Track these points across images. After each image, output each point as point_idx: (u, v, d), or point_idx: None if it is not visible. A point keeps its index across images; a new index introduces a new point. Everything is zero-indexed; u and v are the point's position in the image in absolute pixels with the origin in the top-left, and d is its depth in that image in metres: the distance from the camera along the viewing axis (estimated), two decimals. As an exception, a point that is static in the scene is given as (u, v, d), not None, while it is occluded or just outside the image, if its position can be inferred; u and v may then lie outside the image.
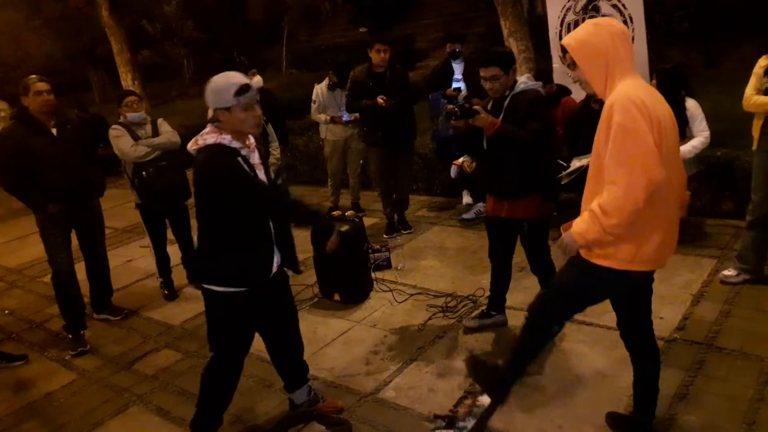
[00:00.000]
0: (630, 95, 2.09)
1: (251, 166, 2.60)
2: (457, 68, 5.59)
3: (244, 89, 2.48)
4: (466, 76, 5.51)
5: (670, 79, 4.40)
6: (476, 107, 3.21)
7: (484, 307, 3.83)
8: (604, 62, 2.16)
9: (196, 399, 2.95)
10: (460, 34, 5.85)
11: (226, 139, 2.52)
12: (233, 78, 2.51)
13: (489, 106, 3.36)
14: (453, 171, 5.68)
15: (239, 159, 2.54)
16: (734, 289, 3.82)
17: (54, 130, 4.06)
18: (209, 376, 2.90)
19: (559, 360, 3.33)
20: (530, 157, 3.23)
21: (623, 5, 5.29)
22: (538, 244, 3.51)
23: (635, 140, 2.04)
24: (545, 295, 2.67)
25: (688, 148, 4.33)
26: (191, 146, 2.59)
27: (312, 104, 6.05)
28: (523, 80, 3.32)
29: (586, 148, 4.78)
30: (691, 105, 4.34)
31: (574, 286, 2.47)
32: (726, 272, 3.92)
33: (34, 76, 4.06)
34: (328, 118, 5.95)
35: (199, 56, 15.13)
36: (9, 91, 13.42)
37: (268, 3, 17.76)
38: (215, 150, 2.52)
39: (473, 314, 3.85)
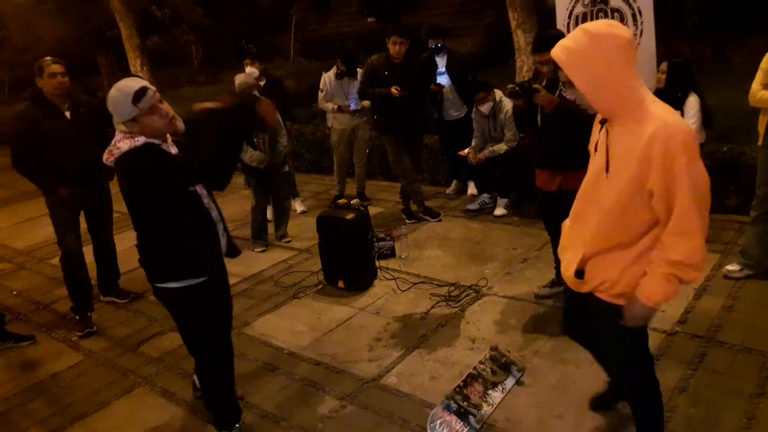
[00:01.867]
0: (681, 126, 1.82)
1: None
2: (440, 62, 5.71)
3: (139, 94, 2.37)
4: (449, 68, 5.66)
5: (681, 72, 4.38)
6: (536, 86, 3.37)
7: (553, 278, 3.90)
8: (613, 89, 1.85)
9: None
10: (440, 29, 5.90)
11: (140, 140, 2.44)
12: (126, 87, 2.39)
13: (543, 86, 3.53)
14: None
15: (160, 148, 2.50)
16: (737, 284, 3.83)
17: (67, 113, 4.09)
18: (204, 375, 2.94)
19: (559, 350, 3.36)
20: (584, 132, 3.32)
21: (633, -2, 5.26)
22: None
23: (707, 183, 1.84)
24: (622, 374, 2.40)
25: None
26: (107, 159, 2.48)
27: (320, 92, 6.07)
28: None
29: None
30: (691, 101, 4.31)
31: (635, 339, 2.21)
32: (729, 267, 3.94)
33: (48, 58, 4.08)
34: (336, 107, 5.96)
35: (207, 43, 15.14)
36: (20, 74, 13.51)
37: (276, -9, 17.73)
38: (133, 153, 2.42)
39: (543, 284, 3.94)
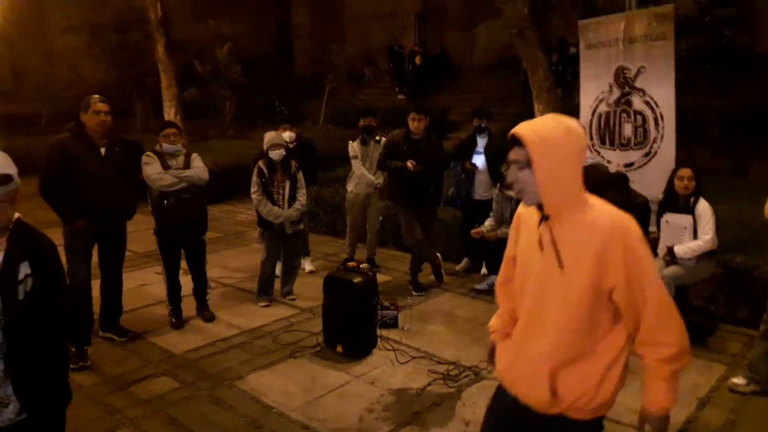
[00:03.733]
0: (630, 220, 1.85)
1: None
2: (481, 142, 5.88)
3: (9, 179, 2.01)
4: (487, 150, 5.81)
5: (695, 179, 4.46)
6: None
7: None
8: (566, 182, 1.84)
9: (185, 431, 2.93)
10: (487, 111, 6.11)
11: None
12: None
13: None
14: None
15: None
16: (742, 398, 3.73)
17: (102, 150, 4.24)
18: None
19: None
20: None
21: (655, 103, 5.44)
22: None
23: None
24: None
25: (685, 248, 4.35)
26: None
27: (353, 159, 6.21)
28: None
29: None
30: (704, 206, 4.36)
31: None
32: (735, 380, 3.85)
33: (96, 96, 4.29)
34: (376, 182, 6.06)
35: (242, 101, 15.69)
36: (59, 109, 14.08)
37: (314, 60, 18.52)
38: None
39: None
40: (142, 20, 13.73)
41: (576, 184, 1.85)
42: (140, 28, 14.59)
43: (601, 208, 1.86)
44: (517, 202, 5.12)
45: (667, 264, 4.45)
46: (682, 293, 4.58)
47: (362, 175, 6.10)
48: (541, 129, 1.83)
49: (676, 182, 4.46)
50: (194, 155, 4.90)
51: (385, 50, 16.87)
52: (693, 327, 4.62)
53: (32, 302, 2.04)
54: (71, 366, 4.14)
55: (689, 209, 4.40)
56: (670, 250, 4.41)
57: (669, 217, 4.55)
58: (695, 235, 4.38)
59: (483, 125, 5.89)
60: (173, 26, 12.41)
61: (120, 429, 3.47)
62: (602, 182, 3.43)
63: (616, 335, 1.89)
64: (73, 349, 4.27)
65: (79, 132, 4.22)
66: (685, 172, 4.44)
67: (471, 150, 5.88)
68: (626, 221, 1.82)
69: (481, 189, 5.89)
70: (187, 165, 4.76)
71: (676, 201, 4.51)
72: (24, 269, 2.06)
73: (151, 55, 12.82)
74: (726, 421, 3.49)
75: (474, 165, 5.78)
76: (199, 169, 4.79)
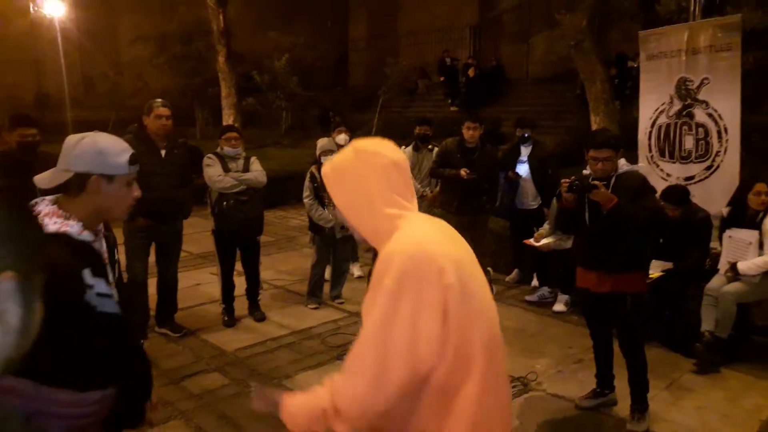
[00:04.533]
0: (409, 249, 1.43)
1: (100, 268, 1.76)
2: (524, 151, 5.80)
3: (137, 159, 1.91)
4: (531, 159, 5.75)
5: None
6: (596, 182, 3.31)
7: (595, 387, 3.73)
8: (368, 212, 1.53)
9: (234, 425, 2.98)
10: (530, 120, 6.04)
11: (75, 227, 1.73)
12: (123, 143, 1.91)
13: None
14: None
15: (85, 273, 1.68)
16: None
17: (163, 152, 4.41)
18: None
19: None
20: (642, 234, 3.37)
21: (719, 115, 5.25)
22: (636, 319, 3.49)
23: (404, 336, 1.39)
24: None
25: (749, 264, 4.17)
26: None
27: None
28: (623, 162, 3.48)
29: (663, 254, 4.72)
30: None
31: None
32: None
33: (159, 100, 4.48)
34: (421, 191, 6.10)
35: (297, 110, 16.04)
36: (125, 116, 14.73)
37: (369, 73, 18.76)
38: (55, 244, 1.68)
39: (585, 394, 3.74)
40: (205, 32, 14.27)
41: (383, 216, 1.51)
42: (203, 39, 15.16)
43: (396, 237, 1.48)
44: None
45: (730, 280, 4.27)
46: (745, 312, 4.38)
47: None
48: (335, 160, 1.59)
49: (752, 197, 4.29)
50: (253, 159, 5.03)
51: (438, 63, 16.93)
52: (756, 347, 4.46)
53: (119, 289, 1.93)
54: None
55: (756, 224, 4.22)
56: (733, 266, 4.24)
57: (733, 233, 4.38)
58: (761, 252, 4.20)
59: (526, 135, 5.80)
60: (234, 38, 12.83)
61: (171, 421, 3.56)
62: (637, 189, 3.34)
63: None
64: None
65: (141, 134, 4.41)
66: (762, 187, 4.27)
67: (515, 159, 5.81)
68: (399, 246, 1.44)
69: (526, 198, 5.80)
70: (246, 168, 4.90)
71: (743, 216, 4.34)
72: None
73: (212, 66, 13.29)
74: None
75: (517, 174, 5.71)
76: (257, 172, 4.92)
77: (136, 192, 1.92)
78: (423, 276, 1.39)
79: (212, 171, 4.79)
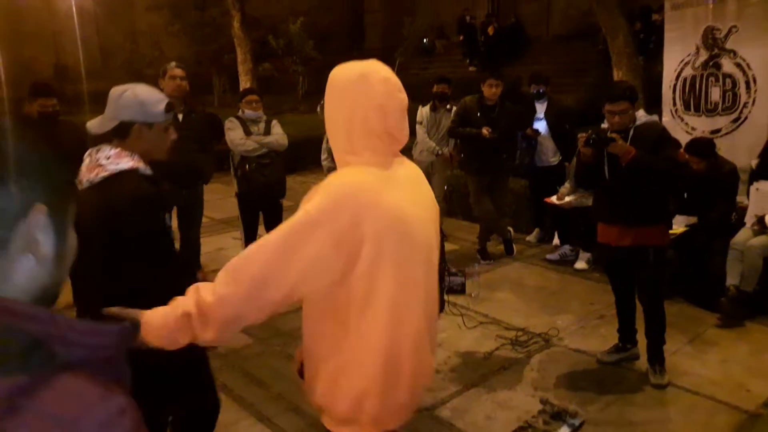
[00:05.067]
0: (348, 181, 1.51)
1: (164, 203, 2.17)
2: (540, 108, 5.70)
3: (172, 107, 2.17)
4: (548, 116, 5.64)
5: None
6: (613, 135, 3.25)
7: (617, 342, 3.72)
8: (346, 124, 1.55)
9: (258, 383, 3.03)
10: (544, 76, 5.89)
11: (141, 164, 2.02)
12: (160, 93, 2.19)
13: None
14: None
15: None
16: (837, 375, 3.49)
17: (180, 116, 4.42)
18: None
19: (627, 412, 3.17)
20: (662, 185, 3.32)
21: (747, 65, 5.07)
22: (657, 273, 3.45)
23: (301, 238, 1.42)
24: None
25: None
26: (91, 175, 1.97)
27: (418, 126, 6.18)
28: (642, 114, 3.42)
29: (688, 208, 4.63)
30: None
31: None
32: (830, 356, 3.60)
33: (173, 62, 4.47)
34: (437, 149, 6.03)
35: (314, 75, 15.89)
36: (144, 84, 14.76)
37: (385, 35, 18.45)
38: (134, 178, 1.98)
39: (607, 349, 3.74)
40: (218, -3, 14.10)
41: (351, 139, 1.54)
42: (218, 5, 14.99)
43: (339, 172, 1.56)
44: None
45: (756, 234, 4.19)
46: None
47: (423, 140, 6.05)
48: (345, 68, 1.58)
49: None
50: (274, 122, 5.02)
51: (456, 22, 16.55)
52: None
53: None
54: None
55: None
56: (761, 219, 4.15)
57: (761, 185, 4.28)
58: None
59: (541, 90, 5.69)
60: (248, 2, 12.65)
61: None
62: (656, 140, 3.27)
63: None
64: None
65: None
66: None
67: (531, 117, 5.71)
68: (327, 184, 1.49)
69: (546, 155, 5.72)
70: (267, 131, 4.89)
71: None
72: None
73: (227, 32, 13.15)
74: (817, 399, 3.27)
75: (536, 131, 5.62)
76: (279, 135, 4.91)
77: (173, 135, 2.18)
78: (337, 216, 1.42)
79: (234, 134, 4.79)
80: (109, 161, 1.98)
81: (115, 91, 2.09)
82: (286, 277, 1.41)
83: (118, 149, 2.01)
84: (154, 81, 4.44)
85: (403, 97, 1.58)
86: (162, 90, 4.36)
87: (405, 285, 1.53)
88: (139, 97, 2.06)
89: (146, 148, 2.08)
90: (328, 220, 1.42)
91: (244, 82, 12.00)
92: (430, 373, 1.69)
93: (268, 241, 1.45)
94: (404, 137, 1.62)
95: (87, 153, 2.05)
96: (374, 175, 1.53)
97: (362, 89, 1.53)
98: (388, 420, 1.57)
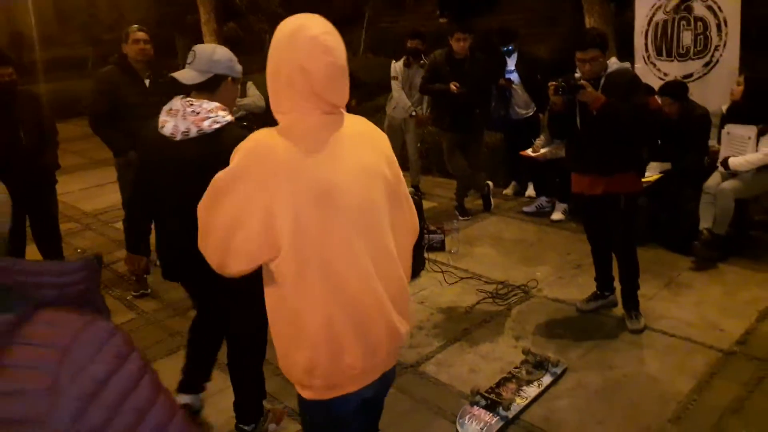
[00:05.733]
0: (269, 143, 1.53)
1: None
2: (510, 62, 5.63)
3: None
4: (519, 67, 5.58)
5: (760, 90, 4.18)
6: (583, 82, 3.21)
7: (595, 290, 3.78)
8: (276, 83, 1.56)
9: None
10: (511, 33, 5.77)
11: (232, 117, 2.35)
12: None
13: None
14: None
15: None
16: (806, 310, 3.60)
17: (147, 81, 4.26)
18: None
19: (607, 358, 3.25)
20: (631, 132, 3.30)
21: (718, 7, 5.04)
22: (629, 219, 3.48)
23: (222, 196, 1.52)
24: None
25: (740, 161, 4.14)
26: (206, 126, 2.24)
27: (393, 80, 6.06)
28: (613, 61, 3.40)
29: (662, 155, 4.67)
30: None
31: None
32: (799, 293, 3.71)
33: (135, 26, 4.28)
34: (412, 109, 5.94)
35: (280, 33, 15.50)
36: (103, 50, 14.22)
37: (353, -14, 17.94)
38: (238, 127, 2.32)
39: (585, 297, 3.79)
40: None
41: (273, 99, 1.57)
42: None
43: (265, 130, 1.59)
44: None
45: (725, 177, 4.25)
46: (742, 208, 4.38)
47: (400, 98, 5.95)
48: (280, 27, 1.56)
49: (733, 89, 4.24)
50: (249, 83, 4.88)
51: (426, -27, 16.16)
52: (753, 242, 4.50)
53: None
54: (133, 293, 4.36)
55: (757, 121, 4.14)
56: (724, 161, 4.20)
57: (731, 128, 4.31)
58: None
59: (510, 47, 5.59)
60: (208, -42, 12.14)
61: (181, 350, 3.60)
62: (628, 86, 3.25)
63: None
64: (134, 278, 4.46)
65: (122, 63, 4.23)
66: (739, 78, 4.24)
67: (503, 68, 5.63)
68: (249, 141, 1.56)
69: (520, 107, 5.67)
70: (243, 93, 4.75)
71: (737, 111, 4.26)
72: None
73: (189, -10, 12.66)
74: (788, 334, 3.39)
75: (509, 80, 5.55)
76: (255, 96, 4.79)
77: (238, 91, 2.52)
78: (248, 175, 1.49)
79: None
80: (217, 115, 2.26)
81: (206, 48, 2.38)
82: (216, 224, 1.52)
83: (216, 103, 2.29)
84: (113, 46, 4.27)
85: (331, 59, 1.51)
86: (125, 56, 4.20)
87: (336, 251, 1.52)
88: (227, 54, 2.36)
89: (228, 101, 2.38)
90: (241, 177, 1.49)
91: (209, 43, 11.63)
92: (393, 334, 1.64)
93: (205, 196, 1.56)
94: (339, 100, 1.58)
95: (175, 106, 2.30)
96: (293, 138, 1.52)
97: (288, 47, 1.52)
98: (345, 384, 1.60)
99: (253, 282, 1.64)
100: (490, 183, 5.75)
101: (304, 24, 1.52)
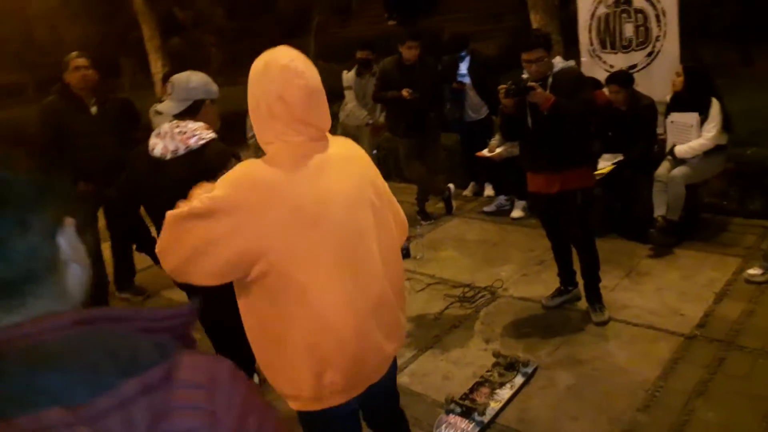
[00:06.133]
0: (254, 173, 1.59)
1: None
2: (463, 66, 5.67)
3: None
4: (471, 70, 5.63)
5: (698, 79, 4.33)
6: (532, 84, 3.26)
7: (559, 286, 3.83)
8: (259, 113, 1.62)
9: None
10: (463, 38, 5.83)
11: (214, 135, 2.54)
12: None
13: None
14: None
15: None
16: (759, 288, 3.74)
17: (93, 109, 4.14)
18: None
19: (575, 353, 3.31)
20: (582, 128, 3.37)
21: (656, -1, 5.19)
22: (586, 214, 3.54)
23: (188, 217, 1.54)
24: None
25: (685, 148, 4.29)
26: (192, 143, 2.43)
27: (347, 90, 6.05)
28: (559, 60, 3.46)
29: (613, 146, 4.78)
30: (713, 105, 4.25)
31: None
32: (751, 271, 3.84)
33: (74, 52, 4.15)
34: (368, 118, 5.96)
35: (228, 45, 15.26)
36: (43, 75, 13.76)
37: (298, -7, 17.84)
38: (220, 143, 2.52)
39: (550, 293, 3.84)
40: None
41: (257, 132, 1.64)
42: (115, -20, 14.06)
43: (250, 161, 1.65)
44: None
45: (674, 165, 4.38)
46: (693, 192, 4.53)
47: (353, 108, 5.97)
48: (254, 64, 1.63)
49: (674, 80, 4.38)
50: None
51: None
52: (706, 224, 4.65)
53: None
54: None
55: (698, 108, 4.28)
56: (671, 150, 4.34)
57: (674, 117, 4.44)
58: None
59: (464, 54, 5.64)
60: (148, -26, 11.90)
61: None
62: (575, 84, 3.33)
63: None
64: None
65: (65, 92, 4.10)
66: (678, 69, 4.39)
67: (455, 73, 5.67)
68: (235, 172, 1.62)
69: (473, 110, 5.72)
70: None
71: (679, 101, 4.40)
72: None
73: (129, 6, 12.38)
74: (743, 312, 3.50)
75: (462, 83, 5.60)
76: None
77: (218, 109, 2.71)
78: (240, 210, 1.51)
79: (161, 120, 4.52)
80: (201, 132, 2.49)
81: (181, 78, 2.60)
82: (185, 240, 1.53)
83: (200, 123, 2.54)
84: (53, 70, 4.13)
85: (304, 83, 1.58)
86: (68, 84, 4.08)
87: (319, 277, 1.57)
88: (203, 79, 2.61)
89: (210, 120, 2.59)
90: (223, 209, 1.51)
91: (155, 61, 11.40)
92: (378, 354, 1.71)
93: (188, 209, 1.55)
94: (321, 122, 1.65)
95: (163, 129, 2.53)
96: (278, 166, 1.58)
97: (263, 80, 1.59)
98: (329, 398, 1.66)
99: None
100: (451, 186, 5.79)
101: (274, 56, 1.61)
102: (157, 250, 1.62)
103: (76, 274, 0.79)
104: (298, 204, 1.54)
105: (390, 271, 1.75)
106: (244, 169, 1.60)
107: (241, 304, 1.64)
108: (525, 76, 3.45)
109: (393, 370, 1.87)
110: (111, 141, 4.18)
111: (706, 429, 2.63)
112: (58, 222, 0.78)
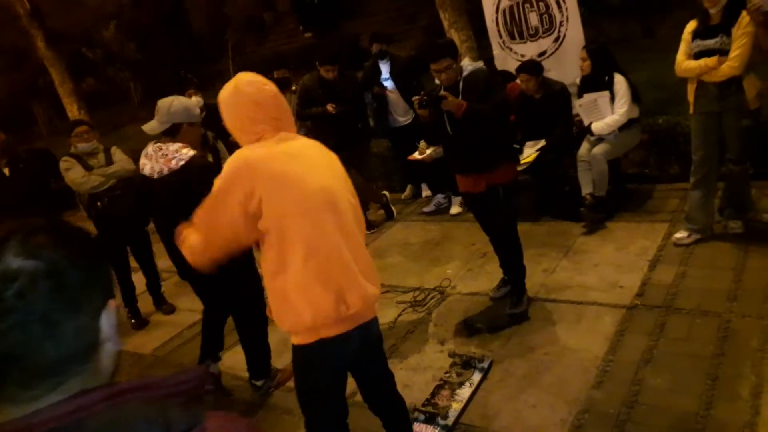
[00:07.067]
0: (243, 154, 2.01)
1: None
2: (384, 68, 5.71)
3: (203, 108, 3.11)
4: (394, 74, 5.66)
5: (601, 56, 4.52)
6: (443, 93, 3.31)
7: (503, 276, 3.90)
8: (241, 125, 2.05)
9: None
10: (386, 35, 5.91)
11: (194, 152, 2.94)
12: (191, 100, 3.18)
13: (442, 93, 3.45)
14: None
15: None
16: (687, 250, 3.94)
17: (6, 170, 3.97)
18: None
19: (526, 341, 3.40)
20: (498, 127, 3.44)
21: (555, -15, 5.38)
22: (509, 206, 3.61)
23: (217, 207, 2.00)
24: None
25: (601, 125, 4.47)
26: (171, 164, 2.89)
27: None
28: (467, 63, 3.52)
29: (534, 133, 4.93)
30: (618, 81, 4.44)
31: (307, 384, 2.24)
32: (678, 235, 4.05)
33: None
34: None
35: (145, 78, 14.88)
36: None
37: (209, 16, 17.55)
38: (199, 159, 2.94)
39: (496, 285, 3.91)
40: (12, 17, 12.62)
41: (247, 133, 2.04)
42: (13, 26, 13.45)
43: (240, 150, 2.06)
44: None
45: (593, 144, 4.56)
46: (616, 166, 4.73)
47: None
48: (222, 93, 2.06)
49: (581, 65, 4.55)
50: (113, 149, 4.64)
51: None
52: (631, 195, 4.86)
53: None
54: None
55: (606, 86, 4.47)
56: (588, 128, 4.52)
57: (581, 100, 4.62)
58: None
59: (383, 49, 5.68)
60: (48, 16, 11.47)
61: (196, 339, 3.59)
62: (485, 86, 3.40)
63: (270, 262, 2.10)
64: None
65: None
66: (582, 53, 4.54)
67: (377, 78, 5.71)
68: (230, 159, 2.03)
69: (399, 115, 5.77)
70: (109, 161, 4.51)
71: (589, 82, 4.58)
72: None
73: (34, 53, 11.90)
74: (677, 275, 3.68)
75: (383, 86, 5.64)
76: (123, 161, 4.55)
77: (200, 130, 3.16)
78: (236, 178, 1.96)
79: (74, 174, 4.36)
80: (180, 153, 2.90)
81: (165, 102, 2.96)
82: (217, 225, 2.01)
83: (179, 144, 2.92)
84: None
85: (270, 89, 2.07)
86: None
87: (312, 227, 1.97)
88: (183, 104, 2.99)
89: (190, 142, 2.98)
90: (232, 185, 1.95)
91: (69, 105, 10.99)
92: (362, 291, 2.06)
93: (206, 203, 2.01)
94: (289, 126, 2.13)
95: (149, 151, 2.99)
96: (262, 148, 2.01)
97: (236, 97, 2.03)
98: (322, 329, 2.04)
99: (241, 268, 2.85)
100: (386, 193, 5.83)
101: (238, 78, 2.06)
102: (192, 254, 2.07)
103: (109, 352, 0.83)
104: (278, 172, 1.96)
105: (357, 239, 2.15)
106: (236, 154, 2.00)
107: (263, 260, 2.05)
108: (438, 82, 3.52)
109: (377, 328, 2.39)
110: (30, 198, 4.04)
111: (656, 395, 2.75)
112: (104, 304, 0.83)
